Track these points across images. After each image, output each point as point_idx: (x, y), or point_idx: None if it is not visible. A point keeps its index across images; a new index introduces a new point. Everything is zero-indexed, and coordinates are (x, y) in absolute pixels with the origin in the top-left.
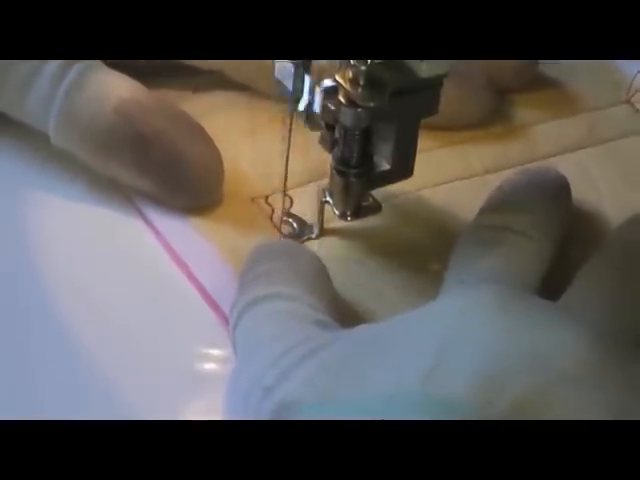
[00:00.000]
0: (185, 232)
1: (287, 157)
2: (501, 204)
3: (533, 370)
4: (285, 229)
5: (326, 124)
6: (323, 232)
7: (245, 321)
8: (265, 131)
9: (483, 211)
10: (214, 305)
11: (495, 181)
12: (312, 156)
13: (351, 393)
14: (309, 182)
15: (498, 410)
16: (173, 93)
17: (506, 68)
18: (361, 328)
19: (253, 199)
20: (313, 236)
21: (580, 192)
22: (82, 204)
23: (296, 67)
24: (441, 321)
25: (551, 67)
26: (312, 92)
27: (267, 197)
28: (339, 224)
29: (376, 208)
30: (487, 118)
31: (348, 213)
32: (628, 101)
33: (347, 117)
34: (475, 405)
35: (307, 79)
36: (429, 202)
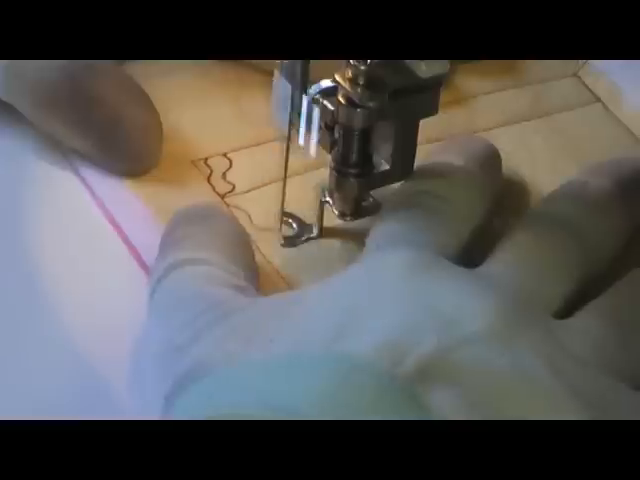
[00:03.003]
0: (121, 194)
1: (284, 183)
2: (424, 171)
3: (439, 332)
4: (285, 229)
5: (325, 124)
6: (323, 232)
7: (162, 286)
8: (214, 95)
9: (408, 179)
10: (145, 267)
11: None
12: (252, 120)
13: (258, 356)
14: (250, 146)
15: (405, 370)
16: None
17: None
18: (276, 294)
19: (193, 161)
20: (313, 236)
21: (517, 163)
22: (20, 160)
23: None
24: (351, 285)
25: None
26: (309, 121)
27: (206, 159)
28: (339, 224)
29: (376, 208)
30: None
31: (348, 213)
32: (575, 74)
33: (346, 117)
34: (382, 365)
35: (305, 102)
36: None
